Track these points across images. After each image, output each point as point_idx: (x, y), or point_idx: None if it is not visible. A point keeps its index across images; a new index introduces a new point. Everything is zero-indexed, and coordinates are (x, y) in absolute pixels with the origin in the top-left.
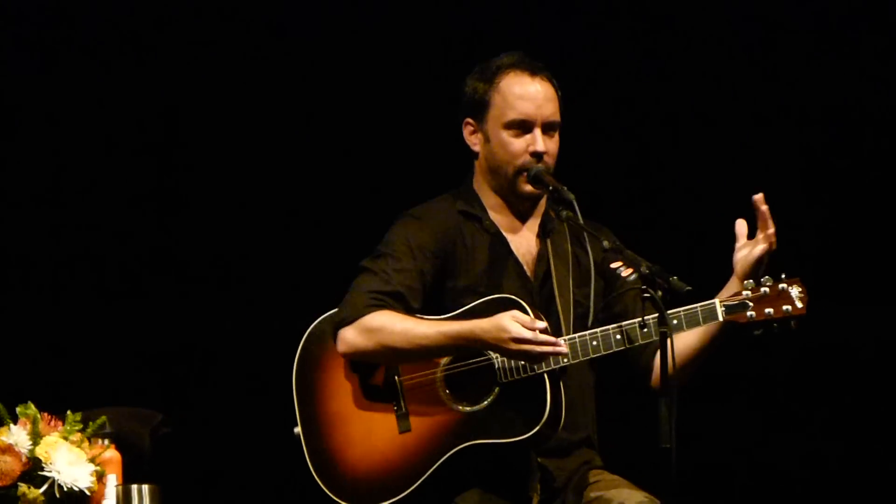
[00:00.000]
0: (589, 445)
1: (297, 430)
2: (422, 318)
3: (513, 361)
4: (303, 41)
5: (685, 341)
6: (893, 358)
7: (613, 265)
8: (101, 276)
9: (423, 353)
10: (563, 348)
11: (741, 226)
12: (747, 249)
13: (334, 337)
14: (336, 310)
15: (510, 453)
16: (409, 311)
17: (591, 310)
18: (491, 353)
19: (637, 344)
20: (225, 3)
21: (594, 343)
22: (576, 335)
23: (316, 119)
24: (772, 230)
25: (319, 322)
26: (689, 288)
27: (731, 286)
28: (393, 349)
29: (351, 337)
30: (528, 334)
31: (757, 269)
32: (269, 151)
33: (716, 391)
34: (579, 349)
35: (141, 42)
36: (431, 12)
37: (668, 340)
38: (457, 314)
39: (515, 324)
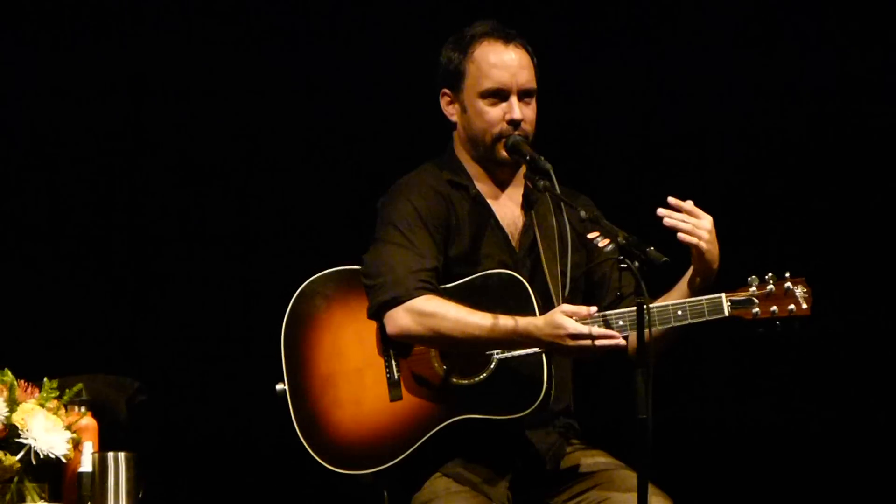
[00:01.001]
0: (568, 414)
1: (281, 386)
2: (472, 309)
3: None
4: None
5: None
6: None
7: (590, 235)
8: (77, 243)
9: (472, 343)
10: (621, 340)
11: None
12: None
13: (378, 315)
14: (329, 271)
15: (499, 427)
16: (441, 284)
17: (568, 280)
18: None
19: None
20: None
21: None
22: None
23: (290, 98)
24: (686, 230)
25: (310, 282)
26: (666, 259)
27: (690, 271)
28: (444, 336)
29: (403, 319)
30: (584, 329)
31: (699, 264)
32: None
33: (692, 361)
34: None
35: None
36: None
37: (645, 312)
38: (458, 285)
39: (569, 319)
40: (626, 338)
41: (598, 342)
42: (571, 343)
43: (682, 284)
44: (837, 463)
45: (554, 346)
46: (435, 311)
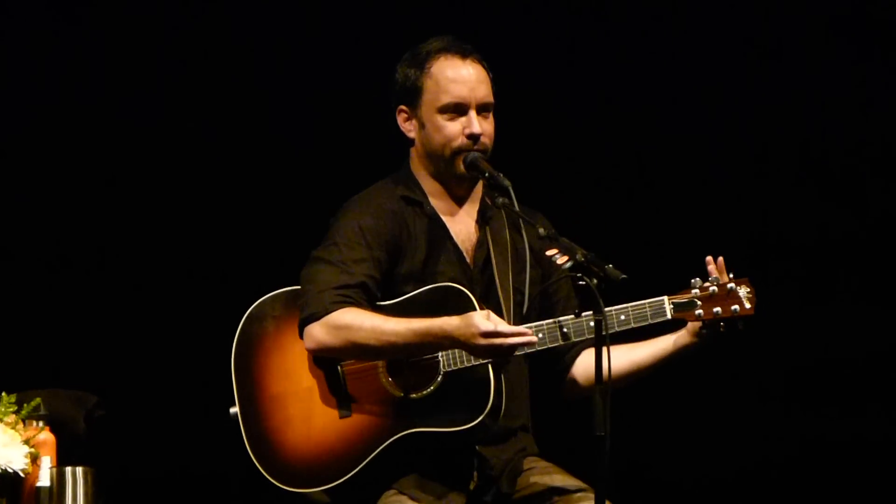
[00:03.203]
0: (525, 431)
1: (234, 409)
2: (389, 316)
3: (457, 350)
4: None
5: (635, 356)
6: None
7: (549, 252)
8: (36, 256)
9: (391, 350)
10: (533, 337)
11: (709, 264)
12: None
13: (300, 332)
14: (278, 292)
15: (450, 441)
16: (373, 300)
17: (527, 298)
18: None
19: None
20: None
21: (539, 336)
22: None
23: (248, 104)
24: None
25: (259, 304)
26: (625, 276)
27: (676, 336)
28: (361, 346)
29: (319, 334)
30: (497, 327)
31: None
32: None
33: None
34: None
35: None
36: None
37: (603, 328)
38: (401, 301)
39: (483, 319)
40: (575, 345)
41: (510, 340)
42: (483, 342)
43: (660, 342)
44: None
45: (467, 346)
46: (350, 322)
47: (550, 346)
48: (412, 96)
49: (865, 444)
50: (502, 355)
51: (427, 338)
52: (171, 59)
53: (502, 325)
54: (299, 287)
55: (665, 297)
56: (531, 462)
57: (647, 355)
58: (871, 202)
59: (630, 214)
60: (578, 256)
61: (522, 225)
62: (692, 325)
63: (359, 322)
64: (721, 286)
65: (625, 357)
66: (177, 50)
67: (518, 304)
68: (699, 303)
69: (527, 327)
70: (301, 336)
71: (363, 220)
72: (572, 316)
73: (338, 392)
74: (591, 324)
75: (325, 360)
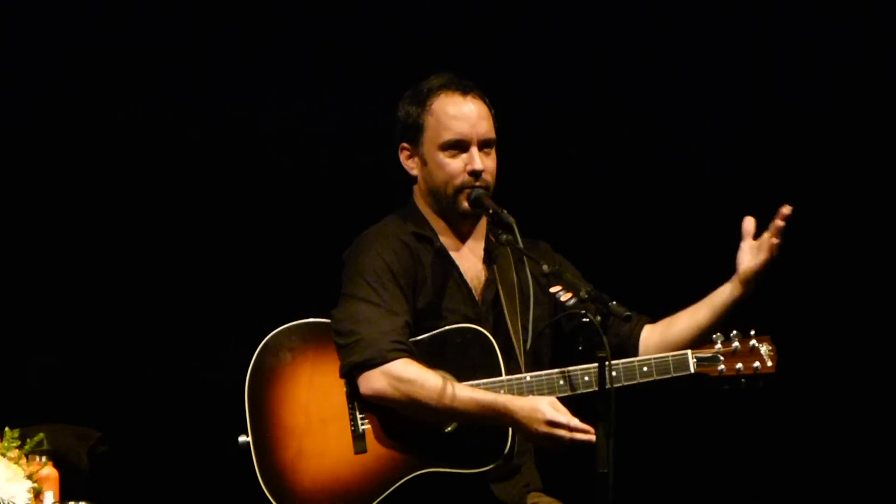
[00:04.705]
0: (530, 467)
1: (243, 438)
2: (449, 379)
3: None
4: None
5: (698, 320)
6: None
7: (553, 289)
8: (40, 289)
9: (448, 414)
10: (593, 437)
11: (749, 223)
12: (752, 254)
13: (350, 375)
14: (294, 323)
15: (464, 480)
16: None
17: (530, 335)
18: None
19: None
20: None
21: (560, 383)
22: (542, 373)
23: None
24: (776, 241)
25: (275, 334)
26: (629, 313)
27: (730, 287)
28: (420, 404)
29: (378, 382)
30: (562, 418)
31: (759, 276)
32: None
33: (654, 416)
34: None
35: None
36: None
37: (607, 366)
38: (425, 339)
39: (550, 408)
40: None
41: (571, 434)
42: (545, 429)
43: (717, 299)
44: None
45: (526, 429)
46: (413, 378)
47: (572, 393)
48: (413, 134)
49: None
50: (558, 446)
51: (488, 411)
52: (189, 89)
53: (568, 418)
54: (318, 320)
55: (689, 351)
56: (535, 497)
57: (708, 317)
58: None
59: (643, 248)
60: (582, 293)
61: (527, 262)
62: (742, 274)
63: (422, 379)
64: (744, 342)
65: (688, 324)
66: (198, 83)
67: (525, 343)
68: (722, 358)
69: (548, 373)
70: (347, 377)
71: (387, 256)
72: (590, 365)
73: (353, 428)
74: (613, 373)
75: (340, 395)
